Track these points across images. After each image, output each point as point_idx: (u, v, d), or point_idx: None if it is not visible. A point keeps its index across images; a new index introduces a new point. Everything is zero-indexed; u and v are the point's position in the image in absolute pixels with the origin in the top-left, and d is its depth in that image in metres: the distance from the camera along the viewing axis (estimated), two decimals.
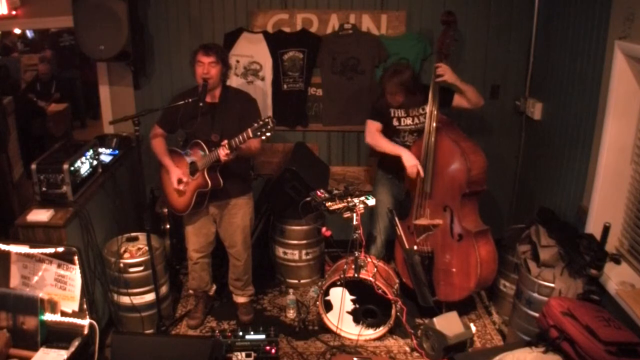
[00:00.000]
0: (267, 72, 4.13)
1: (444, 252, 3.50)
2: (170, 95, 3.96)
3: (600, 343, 2.38)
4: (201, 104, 3.07)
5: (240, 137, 2.95)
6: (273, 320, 3.70)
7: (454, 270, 3.46)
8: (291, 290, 3.82)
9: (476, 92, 3.39)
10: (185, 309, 3.81)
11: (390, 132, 3.60)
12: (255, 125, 2.88)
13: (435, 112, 3.34)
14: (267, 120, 2.85)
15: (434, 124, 3.35)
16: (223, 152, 3.01)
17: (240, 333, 3.20)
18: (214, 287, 3.80)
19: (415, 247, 3.55)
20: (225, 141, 3.00)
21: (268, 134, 2.88)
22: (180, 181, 3.23)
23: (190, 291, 3.81)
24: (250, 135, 2.91)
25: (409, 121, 3.56)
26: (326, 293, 3.47)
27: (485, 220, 3.54)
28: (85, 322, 2.87)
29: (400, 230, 3.60)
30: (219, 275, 3.87)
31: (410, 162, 3.42)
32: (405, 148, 3.50)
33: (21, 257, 2.92)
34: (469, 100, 3.38)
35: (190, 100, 3.11)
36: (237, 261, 3.57)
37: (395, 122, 3.57)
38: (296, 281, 4.08)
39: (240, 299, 3.73)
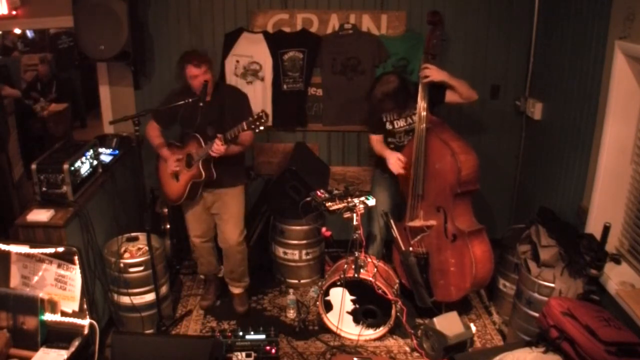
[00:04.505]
0: (267, 72, 4.13)
1: (439, 252, 3.49)
2: None
3: (600, 343, 2.38)
4: (201, 104, 3.12)
5: (235, 130, 3.05)
6: (273, 320, 3.70)
7: (450, 270, 3.46)
8: (291, 290, 3.82)
9: (467, 87, 3.36)
10: (185, 309, 3.81)
11: (386, 135, 3.63)
12: (250, 119, 2.98)
13: (425, 113, 3.33)
14: (261, 114, 2.96)
15: (424, 125, 3.34)
16: (217, 145, 3.09)
17: (240, 333, 3.21)
18: (223, 269, 3.86)
19: (410, 249, 3.55)
20: (220, 135, 3.09)
21: (262, 128, 2.98)
22: (178, 160, 3.36)
23: (202, 276, 3.95)
24: (245, 127, 3.00)
25: (402, 122, 3.57)
26: (326, 293, 3.46)
27: (485, 220, 3.54)
28: (85, 322, 2.87)
29: (395, 233, 3.60)
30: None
31: (392, 161, 3.46)
32: (397, 151, 3.56)
33: (21, 257, 2.92)
34: (461, 95, 3.36)
35: (190, 100, 3.16)
36: (228, 253, 3.62)
37: (389, 126, 3.59)
38: (296, 281, 4.08)
39: (236, 290, 3.77)
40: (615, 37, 2.86)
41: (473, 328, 3.39)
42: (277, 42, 4.07)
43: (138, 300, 3.37)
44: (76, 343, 2.79)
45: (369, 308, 3.43)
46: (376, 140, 3.67)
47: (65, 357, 2.71)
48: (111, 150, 3.86)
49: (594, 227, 3.05)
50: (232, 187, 3.50)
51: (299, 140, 4.32)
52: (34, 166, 3.06)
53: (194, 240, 3.66)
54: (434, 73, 3.27)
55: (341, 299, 3.43)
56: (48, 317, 2.86)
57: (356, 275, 3.32)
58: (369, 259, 3.48)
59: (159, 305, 3.41)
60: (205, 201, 3.52)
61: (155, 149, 3.47)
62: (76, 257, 2.85)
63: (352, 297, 3.43)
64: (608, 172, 2.99)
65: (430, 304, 3.54)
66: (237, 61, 4.10)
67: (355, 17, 4.02)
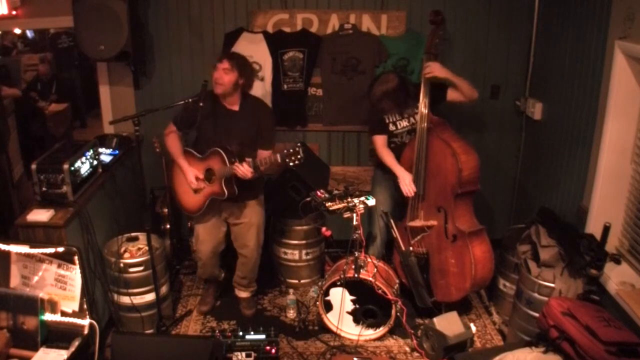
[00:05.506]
0: (267, 72, 4.13)
1: (439, 253, 3.49)
2: (171, 96, 3.97)
3: (600, 343, 2.38)
4: (201, 104, 3.10)
5: (267, 160, 3.04)
6: (273, 320, 3.70)
7: (450, 270, 3.46)
8: (291, 290, 3.82)
9: (469, 85, 3.38)
10: (185, 309, 3.81)
11: (388, 135, 3.62)
12: (286, 152, 2.94)
13: (426, 113, 3.33)
14: (298, 149, 2.91)
15: (425, 124, 3.34)
16: (245, 170, 3.06)
17: (240, 333, 3.20)
18: (223, 274, 3.87)
19: (411, 249, 3.55)
20: (249, 160, 3.07)
21: (297, 162, 2.94)
22: (197, 179, 3.29)
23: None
24: (279, 160, 2.97)
25: (404, 123, 3.57)
26: (326, 293, 3.46)
27: (485, 220, 3.54)
28: (86, 322, 2.86)
29: (396, 233, 3.60)
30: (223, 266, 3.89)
31: (405, 184, 3.45)
32: (398, 150, 3.55)
33: (21, 257, 2.91)
34: (463, 93, 3.37)
35: (190, 100, 3.15)
36: (247, 259, 3.60)
37: (391, 127, 3.60)
38: (296, 281, 4.08)
39: (243, 294, 3.77)
40: (615, 37, 2.86)
41: (473, 328, 3.38)
42: (277, 42, 4.07)
43: (138, 300, 3.37)
44: (76, 343, 2.78)
45: (369, 308, 3.43)
46: (381, 143, 3.61)
47: (65, 357, 2.71)
48: (111, 150, 3.85)
49: (594, 227, 3.05)
50: (252, 199, 3.48)
51: (299, 140, 4.31)
52: (34, 166, 3.06)
53: (200, 253, 3.59)
54: (437, 70, 3.28)
55: (341, 299, 3.43)
56: (48, 317, 2.86)
57: (356, 275, 3.32)
58: (369, 259, 3.48)
59: (159, 305, 3.41)
60: (221, 214, 3.49)
61: (172, 156, 3.39)
62: (76, 257, 2.85)
63: (352, 297, 3.43)
64: (608, 172, 2.99)
65: (430, 304, 3.54)
66: None
67: (355, 17, 4.02)
